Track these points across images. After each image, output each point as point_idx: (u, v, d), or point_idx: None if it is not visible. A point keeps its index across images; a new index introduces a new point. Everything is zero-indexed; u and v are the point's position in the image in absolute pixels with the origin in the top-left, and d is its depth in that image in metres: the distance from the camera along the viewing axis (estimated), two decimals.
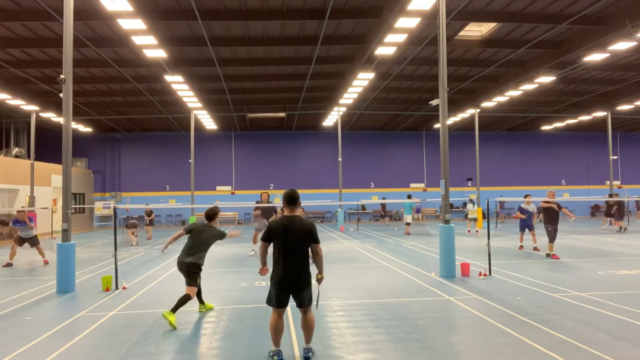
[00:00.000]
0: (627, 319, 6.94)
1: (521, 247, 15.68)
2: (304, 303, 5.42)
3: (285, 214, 5.59)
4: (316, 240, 5.42)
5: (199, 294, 7.80)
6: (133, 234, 19.74)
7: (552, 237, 13.47)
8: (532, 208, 15.57)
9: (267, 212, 14.26)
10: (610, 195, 21.84)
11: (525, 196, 15.52)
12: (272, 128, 36.11)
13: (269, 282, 5.56)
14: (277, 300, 5.37)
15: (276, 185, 35.42)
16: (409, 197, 23.93)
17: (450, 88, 18.04)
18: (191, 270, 7.37)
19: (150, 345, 6.16)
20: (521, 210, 15.48)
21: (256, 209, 14.59)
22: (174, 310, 6.96)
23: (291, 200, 5.54)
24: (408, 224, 23.00)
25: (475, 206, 23.95)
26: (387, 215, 33.28)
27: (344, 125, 33.18)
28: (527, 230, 15.51)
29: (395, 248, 16.82)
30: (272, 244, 5.49)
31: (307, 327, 5.52)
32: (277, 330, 5.43)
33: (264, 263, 5.70)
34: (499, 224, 28.30)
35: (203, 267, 7.59)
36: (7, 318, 7.75)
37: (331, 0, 15.02)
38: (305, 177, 35.27)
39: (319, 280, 5.40)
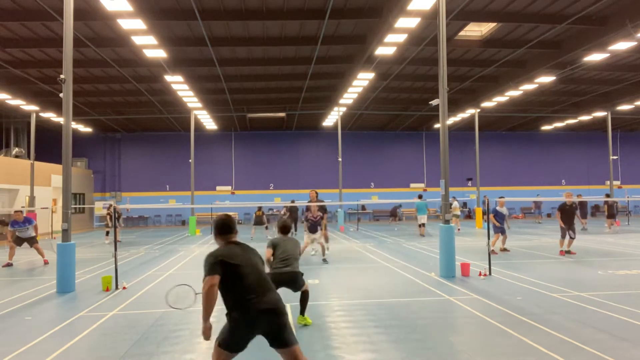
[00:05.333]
0: (627, 319, 6.94)
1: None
2: None
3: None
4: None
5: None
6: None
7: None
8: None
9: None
10: (579, 195, 22.88)
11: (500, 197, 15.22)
12: (272, 128, 36.10)
13: None
14: None
15: (276, 186, 35.44)
16: (420, 197, 22.53)
17: (450, 88, 18.04)
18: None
19: (150, 345, 6.16)
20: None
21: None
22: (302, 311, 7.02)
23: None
24: (422, 225, 21.40)
25: (459, 204, 24.41)
26: (397, 216, 33.21)
27: (344, 125, 33.16)
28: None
29: (395, 248, 16.82)
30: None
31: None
32: None
33: None
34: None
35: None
36: (7, 318, 7.75)
37: (331, 0, 15.03)
38: (305, 177, 35.23)
39: None
